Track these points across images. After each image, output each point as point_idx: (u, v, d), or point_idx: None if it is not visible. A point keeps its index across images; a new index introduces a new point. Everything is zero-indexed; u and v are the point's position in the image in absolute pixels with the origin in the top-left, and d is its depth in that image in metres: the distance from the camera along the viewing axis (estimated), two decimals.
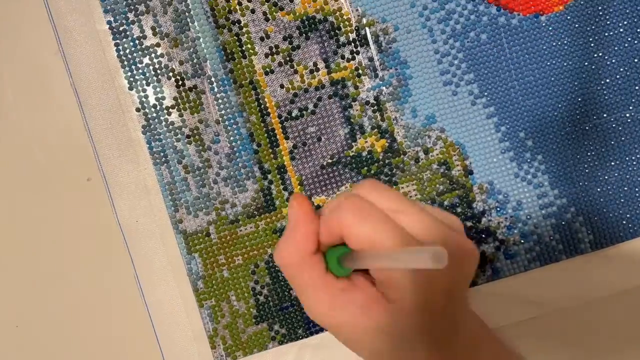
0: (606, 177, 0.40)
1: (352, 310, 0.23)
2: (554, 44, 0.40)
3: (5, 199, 0.40)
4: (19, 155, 0.40)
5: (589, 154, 0.40)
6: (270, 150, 0.40)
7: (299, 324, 0.40)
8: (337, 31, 0.39)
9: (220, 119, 0.40)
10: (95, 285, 0.40)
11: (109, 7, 0.39)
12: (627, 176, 0.40)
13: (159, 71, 0.39)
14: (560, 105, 0.40)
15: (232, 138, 0.40)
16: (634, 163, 0.40)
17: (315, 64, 0.40)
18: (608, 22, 0.40)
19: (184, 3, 0.39)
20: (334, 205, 0.24)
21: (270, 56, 0.39)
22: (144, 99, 0.39)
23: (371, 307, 0.23)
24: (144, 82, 0.39)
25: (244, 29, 0.39)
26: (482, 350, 0.25)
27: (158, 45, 0.39)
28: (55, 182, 0.40)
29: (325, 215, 0.24)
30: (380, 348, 0.24)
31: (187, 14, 0.39)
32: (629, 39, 0.40)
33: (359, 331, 0.23)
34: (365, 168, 0.40)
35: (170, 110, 0.39)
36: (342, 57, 0.40)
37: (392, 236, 0.22)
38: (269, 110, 0.40)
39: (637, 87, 0.40)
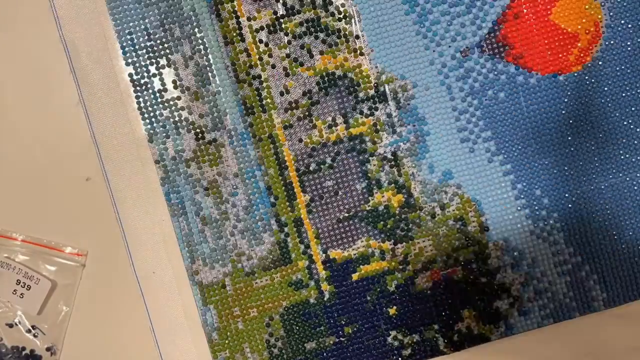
0: (621, 236, 0.41)
1: None
2: (572, 103, 0.40)
3: None
4: (30, 202, 0.40)
5: (604, 212, 0.41)
6: (288, 204, 0.40)
7: None
8: (356, 87, 0.40)
9: (238, 172, 0.40)
10: (111, 336, 0.40)
11: (130, 60, 0.39)
12: None
13: (179, 124, 0.39)
14: (576, 164, 0.40)
15: (250, 191, 0.40)
16: None
17: (334, 119, 0.40)
18: (625, 83, 0.40)
19: (205, 57, 0.39)
20: None
21: (289, 111, 0.40)
22: (163, 152, 0.40)
23: None
24: (164, 134, 0.39)
25: (264, 84, 0.39)
26: None
27: (179, 98, 0.39)
28: (72, 228, 0.40)
29: None
30: None
31: (208, 68, 0.39)
32: None
33: None
34: (382, 222, 0.40)
35: (190, 162, 0.40)
36: (361, 112, 0.40)
37: None
38: (287, 163, 0.40)
39: None
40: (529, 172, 0.40)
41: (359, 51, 0.39)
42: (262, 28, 0.39)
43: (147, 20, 0.39)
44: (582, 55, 0.40)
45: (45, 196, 0.40)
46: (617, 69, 0.40)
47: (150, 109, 0.39)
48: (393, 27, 0.40)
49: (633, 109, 0.40)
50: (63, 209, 0.40)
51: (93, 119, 0.39)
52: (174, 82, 0.39)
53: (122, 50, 0.39)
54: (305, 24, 0.39)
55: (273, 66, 0.39)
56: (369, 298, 0.41)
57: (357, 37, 0.39)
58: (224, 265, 0.40)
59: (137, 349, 0.40)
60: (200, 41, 0.39)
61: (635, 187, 0.41)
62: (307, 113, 0.40)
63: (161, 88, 0.39)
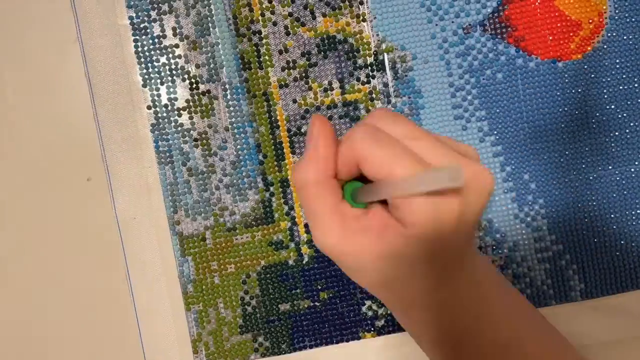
0: (604, 229, 0.41)
1: (366, 235, 0.23)
2: (568, 91, 0.40)
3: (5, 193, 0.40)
4: (21, 147, 0.40)
5: (590, 203, 0.41)
6: (276, 163, 0.40)
7: (283, 339, 0.40)
8: (355, 53, 0.40)
9: (229, 126, 0.40)
10: (86, 278, 0.40)
11: (132, 2, 0.39)
12: (625, 230, 0.41)
13: (174, 72, 0.39)
14: (567, 152, 0.40)
15: (239, 146, 0.40)
16: (634, 218, 0.41)
17: (330, 83, 0.40)
18: (624, 76, 0.40)
19: (207, 8, 0.39)
20: (348, 135, 0.23)
21: (286, 70, 0.40)
22: (156, 98, 0.39)
23: (386, 232, 0.22)
24: (159, 81, 0.39)
25: (264, 40, 0.39)
26: (485, 289, 0.24)
27: (177, 46, 0.39)
28: (59, 176, 0.40)
29: (340, 145, 0.24)
30: (388, 275, 0.23)
31: (209, 18, 0.39)
32: None
33: (370, 258, 0.23)
34: None
35: (181, 112, 0.39)
36: (358, 79, 0.40)
37: (407, 161, 0.21)
38: (279, 123, 0.40)
39: None
40: (519, 155, 0.40)
41: (361, 17, 0.39)
42: None
43: None
44: (583, 44, 0.40)
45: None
46: (617, 61, 0.40)
47: (147, 54, 0.39)
48: None
49: (629, 102, 0.40)
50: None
51: (89, 58, 0.39)
52: (173, 29, 0.39)
53: None
54: None
55: (274, 23, 0.39)
56: None
57: (362, 2, 0.39)
58: (206, 218, 0.40)
59: (111, 293, 0.40)
60: None
61: (623, 181, 0.41)
62: (304, 74, 0.40)
63: (160, 34, 0.39)
